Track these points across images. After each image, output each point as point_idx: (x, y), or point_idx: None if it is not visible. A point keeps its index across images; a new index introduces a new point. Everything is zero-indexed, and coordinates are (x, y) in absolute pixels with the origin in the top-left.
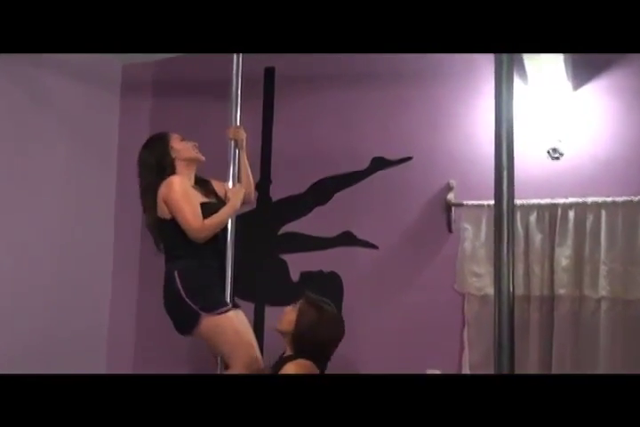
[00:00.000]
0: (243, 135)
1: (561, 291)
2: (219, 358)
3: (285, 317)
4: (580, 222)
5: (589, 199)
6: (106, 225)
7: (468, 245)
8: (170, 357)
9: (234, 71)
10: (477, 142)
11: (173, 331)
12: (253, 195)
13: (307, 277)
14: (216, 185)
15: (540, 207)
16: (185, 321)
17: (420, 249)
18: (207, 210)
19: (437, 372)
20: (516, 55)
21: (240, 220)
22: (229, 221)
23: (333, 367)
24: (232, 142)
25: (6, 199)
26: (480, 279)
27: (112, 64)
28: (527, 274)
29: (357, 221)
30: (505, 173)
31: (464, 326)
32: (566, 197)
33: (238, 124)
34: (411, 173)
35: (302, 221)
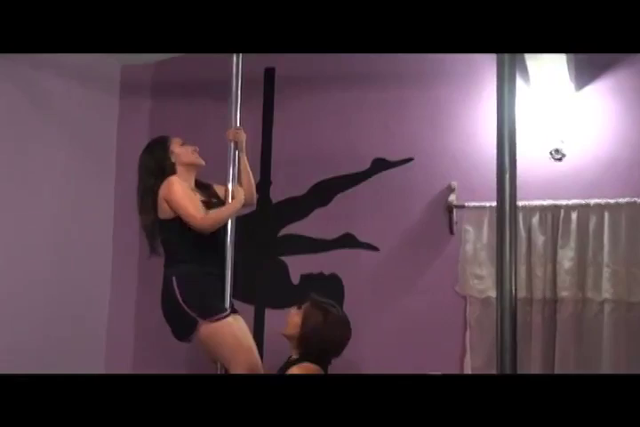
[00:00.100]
0: (243, 137)
1: (564, 293)
2: (218, 364)
3: (291, 320)
4: (582, 224)
5: (592, 201)
6: (105, 226)
7: (469, 247)
8: (169, 358)
9: (233, 72)
10: (479, 143)
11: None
12: (255, 197)
13: (307, 279)
14: (218, 189)
15: (542, 209)
16: (182, 328)
17: (422, 251)
18: (209, 208)
19: None
20: (518, 55)
21: (240, 221)
22: (229, 222)
23: (334, 370)
24: (232, 144)
25: (5, 200)
26: (482, 282)
27: (111, 65)
28: (529, 276)
29: (358, 223)
30: (507, 175)
31: (466, 328)
32: (569, 199)
33: (238, 125)
34: (412, 174)
35: (303, 222)
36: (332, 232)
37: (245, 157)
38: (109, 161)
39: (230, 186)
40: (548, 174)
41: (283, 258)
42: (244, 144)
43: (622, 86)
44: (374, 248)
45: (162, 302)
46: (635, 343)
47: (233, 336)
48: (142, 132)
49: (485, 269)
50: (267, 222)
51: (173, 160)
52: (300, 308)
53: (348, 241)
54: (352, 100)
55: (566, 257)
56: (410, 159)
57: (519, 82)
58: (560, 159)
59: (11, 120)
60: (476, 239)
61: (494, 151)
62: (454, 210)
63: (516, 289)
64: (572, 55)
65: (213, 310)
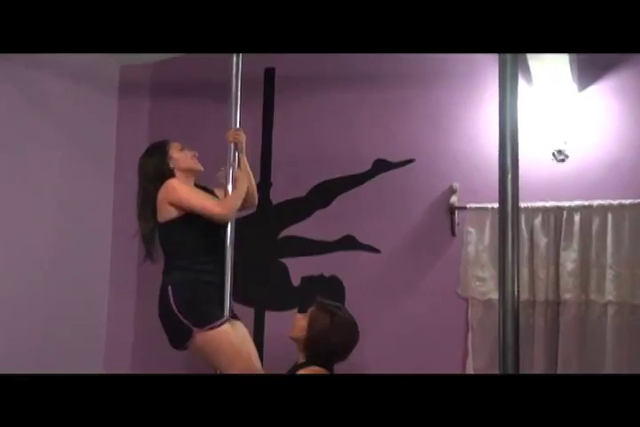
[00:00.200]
0: (243, 138)
1: (566, 295)
2: (218, 372)
3: (297, 323)
4: (585, 226)
5: (595, 202)
6: (103, 227)
7: (471, 248)
8: (167, 359)
9: (233, 72)
10: (481, 144)
11: None
12: (256, 198)
13: (308, 281)
14: (218, 192)
15: (545, 210)
16: (178, 336)
17: (423, 253)
18: None
19: None
20: (520, 55)
21: (240, 223)
22: (229, 223)
23: (336, 372)
24: (232, 145)
25: (4, 200)
26: (484, 284)
27: (110, 65)
28: (532, 278)
29: (359, 225)
30: (509, 176)
31: (468, 331)
32: (572, 200)
33: (238, 126)
34: (413, 175)
35: (303, 224)
36: (333, 234)
37: (245, 158)
38: (108, 161)
39: (229, 189)
40: (551, 175)
41: (283, 260)
42: (244, 145)
43: (625, 86)
44: (375, 250)
45: (159, 310)
46: (638, 346)
47: (230, 344)
48: (141, 132)
49: (487, 271)
50: (267, 224)
51: (172, 165)
52: (305, 312)
53: (348, 243)
54: (353, 100)
55: (569, 259)
56: (411, 160)
57: (521, 82)
58: (563, 160)
59: (9, 120)
60: (477, 241)
61: (496, 152)
62: (456, 211)
63: (518, 291)
64: (574, 55)
65: (208, 319)
